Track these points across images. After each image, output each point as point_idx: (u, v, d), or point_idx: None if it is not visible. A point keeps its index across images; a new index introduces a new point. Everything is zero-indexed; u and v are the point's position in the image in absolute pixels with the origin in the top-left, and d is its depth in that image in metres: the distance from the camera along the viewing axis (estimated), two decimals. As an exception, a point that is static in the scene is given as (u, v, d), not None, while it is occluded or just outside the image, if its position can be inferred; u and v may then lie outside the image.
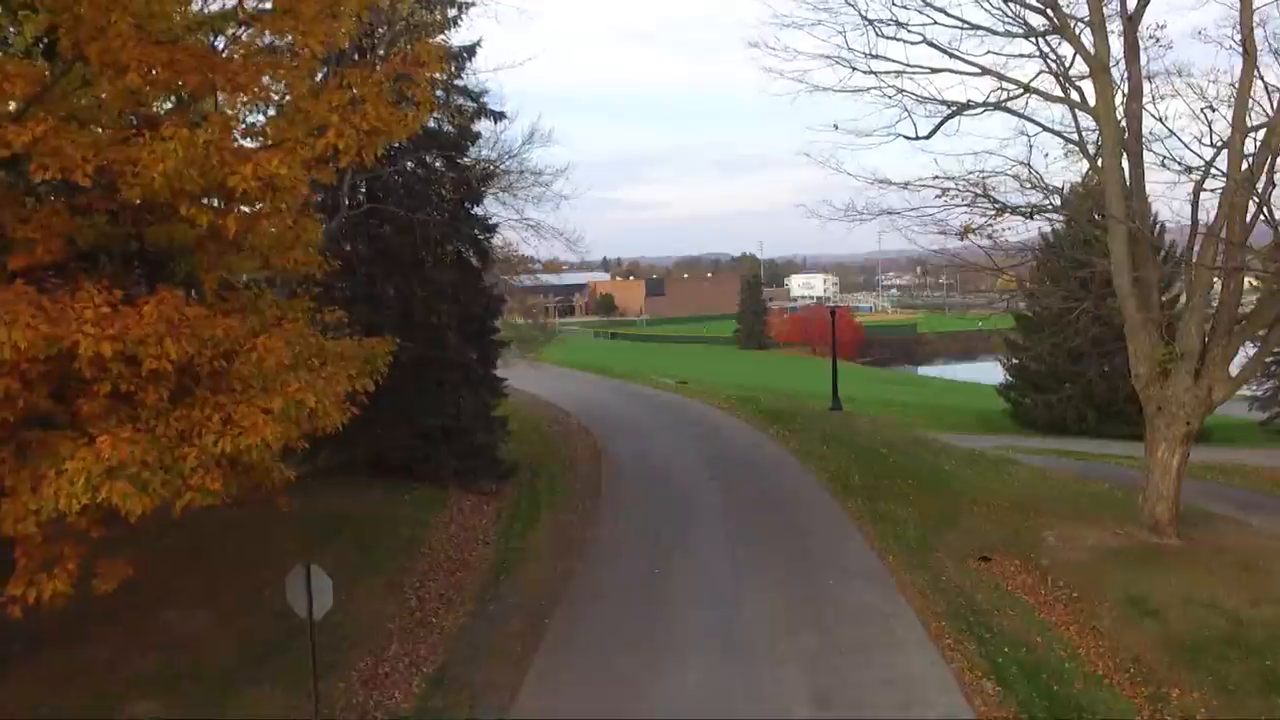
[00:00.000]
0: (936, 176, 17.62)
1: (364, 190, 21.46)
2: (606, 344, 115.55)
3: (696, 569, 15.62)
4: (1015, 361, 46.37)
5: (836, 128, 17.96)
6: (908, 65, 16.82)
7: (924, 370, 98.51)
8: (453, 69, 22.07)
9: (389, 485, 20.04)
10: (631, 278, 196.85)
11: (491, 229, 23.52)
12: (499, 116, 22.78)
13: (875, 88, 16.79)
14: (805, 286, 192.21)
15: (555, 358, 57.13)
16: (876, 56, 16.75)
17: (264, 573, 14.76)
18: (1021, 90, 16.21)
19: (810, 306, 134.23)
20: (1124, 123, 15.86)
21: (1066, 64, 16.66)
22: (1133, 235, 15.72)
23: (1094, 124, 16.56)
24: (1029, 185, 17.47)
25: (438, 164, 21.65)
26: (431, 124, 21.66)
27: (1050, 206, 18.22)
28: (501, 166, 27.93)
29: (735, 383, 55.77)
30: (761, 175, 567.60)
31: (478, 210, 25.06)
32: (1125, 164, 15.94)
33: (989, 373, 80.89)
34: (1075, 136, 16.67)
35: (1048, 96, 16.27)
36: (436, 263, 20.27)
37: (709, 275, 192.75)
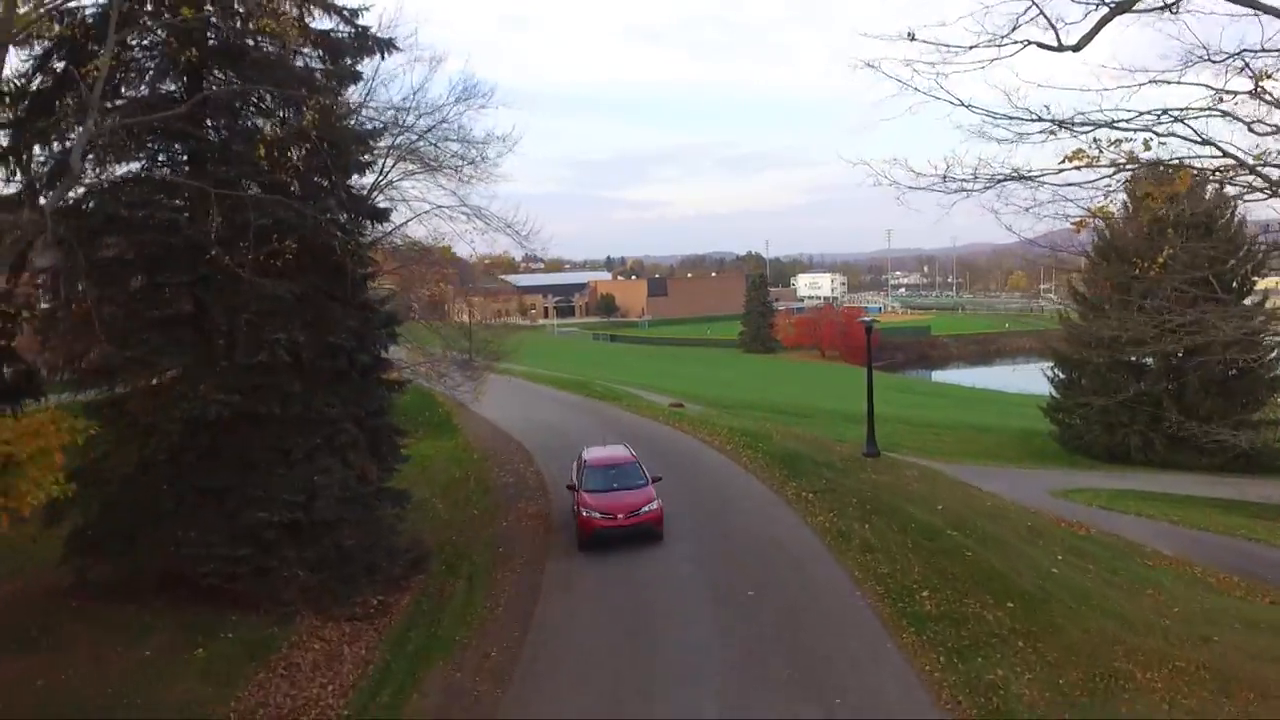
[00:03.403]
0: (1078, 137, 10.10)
1: (172, 153, 14.03)
2: (605, 347, 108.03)
3: None
4: (1063, 376, 39.13)
5: (913, 38, 10.53)
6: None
7: (940, 376, 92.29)
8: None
9: (186, 618, 12.58)
10: (634, 277, 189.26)
11: (381, 214, 16.01)
12: (387, 46, 15.21)
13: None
14: (812, 286, 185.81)
15: (537, 369, 49.63)
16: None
17: None
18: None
19: (817, 307, 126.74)
20: None
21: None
22: None
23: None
24: (1254, 129, 9.99)
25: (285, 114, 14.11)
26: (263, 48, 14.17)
27: None
28: (429, 133, 20.58)
29: (740, 398, 48.20)
30: (767, 174, 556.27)
31: (384, 196, 17.82)
32: None
33: (1009, 378, 74.14)
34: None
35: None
36: (264, 266, 12.65)
37: (713, 274, 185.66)
